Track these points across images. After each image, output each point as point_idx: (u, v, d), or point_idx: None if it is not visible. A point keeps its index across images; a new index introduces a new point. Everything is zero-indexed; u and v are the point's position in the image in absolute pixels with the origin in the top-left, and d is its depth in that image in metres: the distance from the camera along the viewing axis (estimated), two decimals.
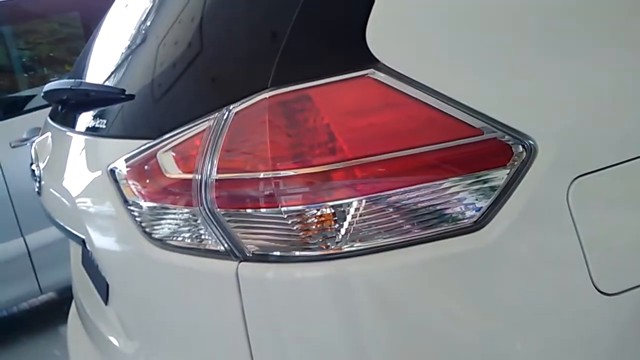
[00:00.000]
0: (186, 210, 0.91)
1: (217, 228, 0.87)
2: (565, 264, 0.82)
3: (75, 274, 1.72)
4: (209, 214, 0.87)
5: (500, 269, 0.81)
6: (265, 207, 0.83)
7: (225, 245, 0.87)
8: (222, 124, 0.87)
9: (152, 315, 1.10)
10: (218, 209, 0.86)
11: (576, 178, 0.82)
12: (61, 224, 1.41)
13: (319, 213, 0.82)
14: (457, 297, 0.82)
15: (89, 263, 1.52)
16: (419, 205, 0.81)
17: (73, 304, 1.83)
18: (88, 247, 1.25)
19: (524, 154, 0.82)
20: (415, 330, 0.82)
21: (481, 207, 0.82)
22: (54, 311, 3.80)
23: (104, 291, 1.35)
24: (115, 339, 1.31)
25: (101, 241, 1.18)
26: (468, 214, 0.82)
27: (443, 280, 0.81)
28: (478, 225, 0.81)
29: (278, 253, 0.84)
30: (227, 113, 0.86)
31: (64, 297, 3.72)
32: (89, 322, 1.55)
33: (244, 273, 0.85)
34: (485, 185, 0.82)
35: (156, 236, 0.98)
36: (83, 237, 1.25)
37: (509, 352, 0.83)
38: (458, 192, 0.82)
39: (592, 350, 0.83)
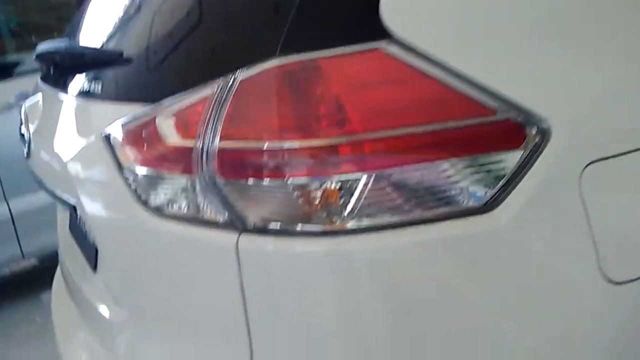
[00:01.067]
0: (185, 178, 0.88)
1: (217, 198, 0.85)
2: (574, 250, 0.80)
3: (62, 239, 1.69)
4: (210, 183, 0.84)
5: (508, 252, 0.80)
6: (269, 178, 0.80)
7: (226, 215, 0.85)
8: (227, 90, 0.83)
9: (143, 284, 1.08)
10: (219, 179, 0.83)
11: (590, 164, 0.80)
12: (50, 188, 1.38)
13: (324, 187, 0.79)
14: (463, 279, 0.80)
15: (77, 229, 1.49)
16: (428, 183, 0.79)
17: (58, 269, 1.80)
18: (79, 214, 1.22)
19: (538, 136, 0.79)
20: (417, 311, 0.80)
21: (491, 190, 0.80)
22: (35, 278, 3.76)
23: (92, 258, 1.32)
24: (102, 307, 1.28)
25: (93, 208, 1.15)
26: (478, 195, 0.80)
27: (449, 262, 0.80)
28: (487, 207, 0.79)
29: (280, 226, 0.82)
30: (232, 79, 0.83)
31: (46, 265, 3.69)
32: (74, 288, 1.53)
33: (244, 245, 0.83)
34: (497, 167, 0.80)
35: (152, 204, 0.95)
36: (74, 202, 1.22)
37: (513, 336, 0.81)
38: (468, 173, 0.79)
39: (597, 337, 0.82)
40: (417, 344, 0.81)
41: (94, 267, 1.31)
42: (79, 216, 1.28)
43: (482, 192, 0.80)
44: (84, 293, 1.43)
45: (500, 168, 0.79)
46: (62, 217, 1.69)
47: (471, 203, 0.80)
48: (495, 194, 0.80)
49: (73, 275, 1.55)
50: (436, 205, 0.80)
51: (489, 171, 0.80)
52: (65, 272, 1.65)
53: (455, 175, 0.79)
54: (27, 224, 3.28)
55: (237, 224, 0.84)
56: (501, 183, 0.80)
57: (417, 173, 0.79)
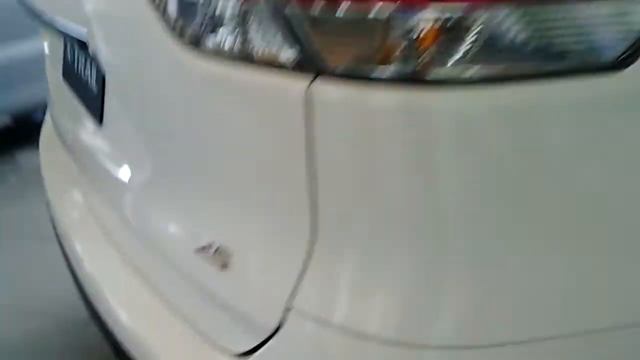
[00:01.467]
0: (242, 4, 0.72)
1: (284, 31, 0.69)
2: None
3: (54, 90, 1.52)
4: (275, 12, 0.68)
5: (635, 121, 0.67)
6: (353, 9, 0.65)
7: (294, 55, 0.69)
8: None
9: (166, 137, 0.93)
10: (289, 6, 0.67)
11: None
12: (50, 18, 1.19)
13: (419, 23, 0.64)
14: (578, 150, 0.67)
15: (75, 78, 1.32)
16: (547, 30, 0.65)
17: (47, 122, 1.63)
18: (91, 52, 1.04)
19: None
20: (511, 187, 0.68)
21: (623, 44, 0.65)
22: (8, 137, 3.58)
23: (97, 109, 1.16)
24: (109, 164, 1.14)
25: (110, 42, 0.98)
26: (607, 50, 0.65)
27: (563, 129, 0.67)
28: (618, 65, 0.65)
29: (362, 71, 0.66)
30: None
31: (21, 122, 3.51)
32: (70, 143, 1.38)
33: (317, 92, 0.68)
34: (631, 17, 0.65)
35: (192, 39, 0.79)
36: (83, 35, 1.04)
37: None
38: (598, 21, 0.65)
39: None
40: (503, 225, 0.69)
41: (99, 119, 1.16)
42: (91, 55, 1.10)
43: (611, 46, 0.66)
44: (83, 148, 1.28)
45: (635, 19, 0.65)
46: (53, 64, 1.51)
47: (598, 59, 0.66)
48: (629, 49, 0.65)
49: (68, 129, 1.39)
50: (554, 58, 0.65)
51: (622, 22, 0.65)
52: (58, 126, 1.49)
53: (583, 23, 0.65)
54: (1, 77, 3.06)
55: (308, 66, 0.68)
56: (635, 36, 0.65)
57: (535, 16, 0.64)
